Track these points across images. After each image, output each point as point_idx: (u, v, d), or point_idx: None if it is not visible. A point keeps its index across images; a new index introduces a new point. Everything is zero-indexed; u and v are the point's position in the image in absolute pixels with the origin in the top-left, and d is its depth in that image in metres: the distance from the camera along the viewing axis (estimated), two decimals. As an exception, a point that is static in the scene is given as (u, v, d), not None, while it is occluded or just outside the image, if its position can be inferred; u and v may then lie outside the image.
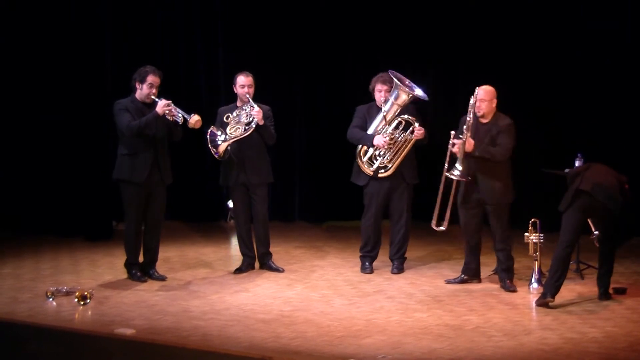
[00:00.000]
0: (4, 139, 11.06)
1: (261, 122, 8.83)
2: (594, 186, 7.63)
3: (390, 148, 8.90)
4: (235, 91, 9.02)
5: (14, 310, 7.68)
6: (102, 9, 10.99)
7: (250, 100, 8.89)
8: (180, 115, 8.52)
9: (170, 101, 8.54)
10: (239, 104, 9.02)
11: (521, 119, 11.05)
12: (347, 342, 6.72)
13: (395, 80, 8.87)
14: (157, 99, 8.56)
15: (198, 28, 11.92)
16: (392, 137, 8.88)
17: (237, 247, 9.26)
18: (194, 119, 8.50)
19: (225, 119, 8.94)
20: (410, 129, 8.88)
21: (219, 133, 8.81)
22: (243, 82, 8.94)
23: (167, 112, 8.48)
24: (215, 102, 11.77)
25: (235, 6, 11.87)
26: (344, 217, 11.71)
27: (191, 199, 11.87)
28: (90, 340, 6.94)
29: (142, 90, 8.60)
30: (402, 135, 8.90)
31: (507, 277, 8.35)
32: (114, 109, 8.67)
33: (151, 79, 8.57)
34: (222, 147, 8.82)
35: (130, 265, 8.76)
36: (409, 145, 8.91)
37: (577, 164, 8.83)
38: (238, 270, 9.06)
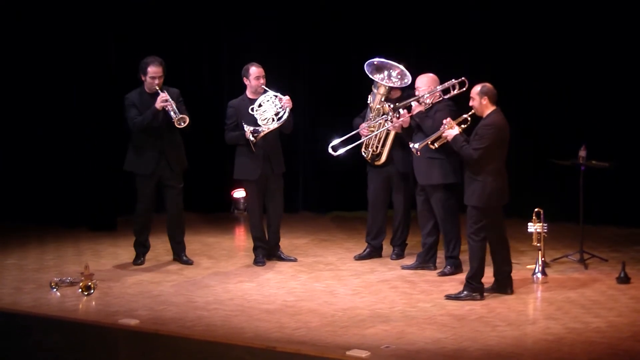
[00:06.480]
0: (9, 130, 11.07)
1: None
2: None
3: (375, 136, 8.84)
4: (246, 83, 8.84)
5: (18, 300, 7.69)
6: (105, 6, 11.01)
7: (270, 91, 8.76)
8: (172, 112, 8.51)
9: (167, 94, 8.50)
10: (250, 95, 8.85)
11: (525, 109, 11.11)
12: (351, 332, 6.73)
13: (367, 73, 8.83)
14: (160, 91, 8.56)
15: (199, 26, 11.89)
16: (372, 125, 8.83)
17: (241, 238, 9.23)
18: (179, 121, 8.49)
19: (250, 111, 8.72)
20: (389, 117, 8.71)
21: (250, 128, 8.64)
22: (258, 74, 8.77)
23: (166, 106, 8.50)
24: (218, 98, 11.79)
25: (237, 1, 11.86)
26: (349, 208, 11.70)
27: (195, 189, 11.84)
28: (94, 330, 6.96)
29: (146, 82, 8.62)
30: (377, 122, 8.81)
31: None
32: (123, 104, 8.73)
33: (152, 70, 8.57)
34: (258, 138, 8.67)
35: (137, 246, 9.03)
36: (391, 133, 8.81)
37: (581, 154, 8.81)
38: (261, 263, 8.93)
